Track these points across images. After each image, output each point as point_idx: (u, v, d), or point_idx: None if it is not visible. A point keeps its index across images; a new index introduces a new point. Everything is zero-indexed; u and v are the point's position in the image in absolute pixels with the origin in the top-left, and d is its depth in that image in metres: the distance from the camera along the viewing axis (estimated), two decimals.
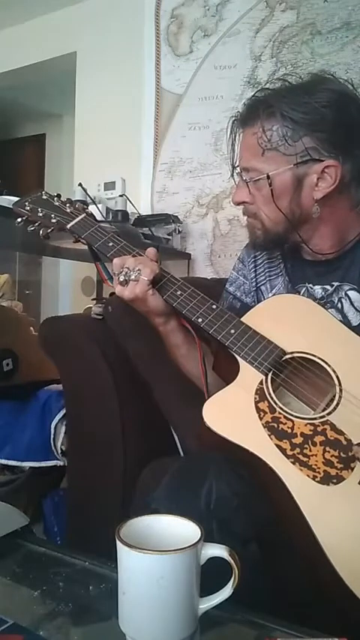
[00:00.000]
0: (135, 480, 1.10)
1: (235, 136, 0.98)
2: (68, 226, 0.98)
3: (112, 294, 1.44)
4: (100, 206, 2.10)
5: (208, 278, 2.04)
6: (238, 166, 0.99)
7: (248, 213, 1.01)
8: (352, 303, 0.96)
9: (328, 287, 0.99)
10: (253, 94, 0.97)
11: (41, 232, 1.00)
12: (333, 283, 0.99)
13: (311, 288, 1.01)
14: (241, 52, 2.41)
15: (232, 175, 1.00)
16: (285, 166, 0.92)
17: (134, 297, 0.91)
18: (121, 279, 0.91)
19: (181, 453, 1.23)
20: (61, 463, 1.46)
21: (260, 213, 0.98)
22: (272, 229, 0.98)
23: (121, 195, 2.34)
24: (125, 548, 0.55)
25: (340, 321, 0.92)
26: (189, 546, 0.56)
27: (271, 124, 0.91)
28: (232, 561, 0.58)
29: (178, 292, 0.93)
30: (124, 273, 0.91)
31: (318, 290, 1.00)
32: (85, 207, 1.05)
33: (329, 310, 0.95)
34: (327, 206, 0.95)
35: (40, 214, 1.00)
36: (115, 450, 1.18)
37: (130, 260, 0.92)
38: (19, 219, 1.01)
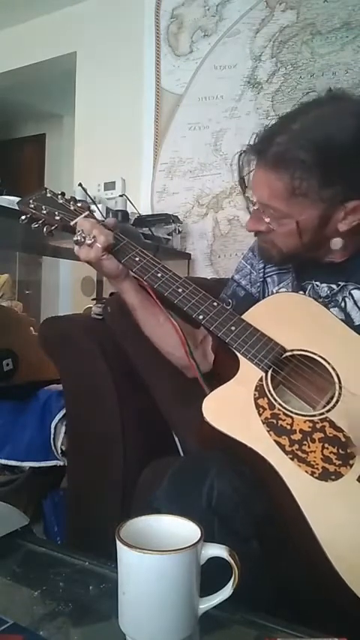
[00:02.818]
0: (135, 480, 1.11)
1: (244, 165, 0.94)
2: (72, 224, 0.99)
3: (112, 294, 1.44)
4: (100, 206, 2.10)
5: (208, 278, 2.04)
6: (251, 197, 0.94)
7: (263, 240, 0.98)
8: (355, 303, 0.96)
9: (334, 286, 0.99)
10: (273, 127, 0.91)
11: (45, 230, 1.01)
12: (339, 283, 0.98)
13: (317, 286, 1.01)
14: (241, 52, 2.41)
15: (248, 207, 0.97)
16: (313, 211, 0.89)
17: (87, 260, 0.98)
18: (75, 239, 0.97)
19: (181, 453, 1.23)
20: (61, 463, 1.46)
21: (277, 243, 0.95)
22: (289, 254, 0.96)
23: (121, 195, 2.34)
24: (125, 548, 0.55)
25: (343, 320, 0.92)
26: (189, 546, 0.55)
27: (302, 174, 0.85)
28: (232, 561, 0.58)
29: (180, 290, 0.93)
30: (79, 233, 0.96)
31: (324, 288, 1.00)
32: (88, 205, 1.06)
33: (332, 309, 0.95)
34: (348, 233, 0.93)
35: (44, 212, 1.00)
36: (115, 450, 1.18)
37: (87, 225, 0.96)
38: (23, 217, 1.02)
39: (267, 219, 0.92)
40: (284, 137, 0.88)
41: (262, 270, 1.10)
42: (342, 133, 0.85)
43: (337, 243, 0.93)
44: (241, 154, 0.94)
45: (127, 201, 2.34)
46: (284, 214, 0.90)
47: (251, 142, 0.93)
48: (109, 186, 2.50)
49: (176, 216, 2.43)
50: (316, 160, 0.85)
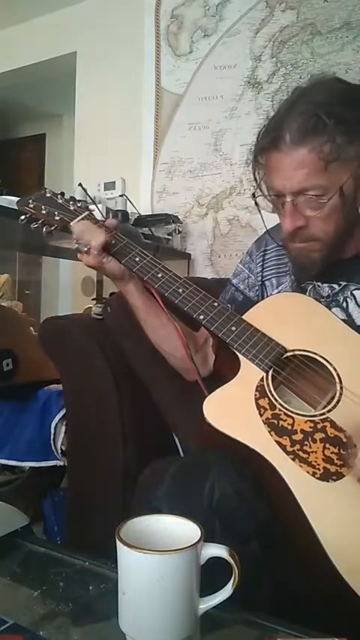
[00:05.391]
0: (135, 480, 1.10)
1: (259, 164, 0.92)
2: (71, 224, 0.99)
3: (112, 294, 1.44)
4: (100, 206, 2.10)
5: (208, 278, 2.04)
6: (271, 191, 0.92)
7: (302, 239, 0.92)
8: (357, 303, 0.96)
9: (335, 286, 0.98)
10: (277, 114, 0.90)
11: (44, 230, 1.01)
12: (340, 282, 0.98)
13: (319, 286, 1.00)
14: (241, 52, 2.41)
15: (256, 204, 0.93)
16: (348, 173, 0.86)
17: (90, 266, 0.99)
18: (75, 247, 0.98)
19: (181, 453, 1.23)
20: (61, 463, 1.46)
21: (318, 233, 0.91)
22: (332, 243, 0.92)
23: (121, 195, 2.34)
24: (125, 548, 0.55)
25: (344, 320, 0.92)
26: (189, 546, 0.55)
27: (329, 136, 0.84)
28: (232, 561, 0.58)
29: (180, 290, 0.93)
30: (75, 241, 0.98)
31: (325, 288, 0.99)
32: (87, 205, 1.05)
33: (334, 309, 0.95)
34: None
35: (44, 212, 1.00)
36: (115, 450, 1.18)
37: (79, 230, 0.97)
38: (22, 217, 1.02)
39: (307, 209, 0.89)
40: (299, 109, 0.87)
41: (260, 274, 1.09)
42: (345, 94, 0.88)
43: None
44: (253, 163, 0.93)
45: (127, 201, 2.35)
46: (325, 188, 0.87)
47: (256, 140, 0.92)
48: (109, 186, 2.50)
49: (176, 216, 2.43)
50: (335, 117, 0.84)
